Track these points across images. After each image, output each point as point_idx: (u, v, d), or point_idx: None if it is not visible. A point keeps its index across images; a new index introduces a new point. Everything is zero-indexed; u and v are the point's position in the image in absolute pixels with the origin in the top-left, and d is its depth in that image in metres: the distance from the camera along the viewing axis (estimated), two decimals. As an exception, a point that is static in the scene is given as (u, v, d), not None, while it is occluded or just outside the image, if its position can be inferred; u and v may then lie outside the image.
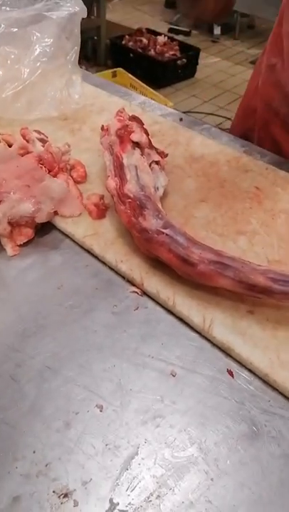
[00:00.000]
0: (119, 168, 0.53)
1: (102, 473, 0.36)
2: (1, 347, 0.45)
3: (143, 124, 0.60)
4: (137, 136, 0.55)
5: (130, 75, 2.71)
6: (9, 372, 0.43)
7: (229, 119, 2.73)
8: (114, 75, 2.78)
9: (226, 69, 3.34)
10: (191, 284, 0.49)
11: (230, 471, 0.37)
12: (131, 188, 0.51)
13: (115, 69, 2.78)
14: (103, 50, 3.12)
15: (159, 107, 0.83)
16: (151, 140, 0.71)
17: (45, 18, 0.77)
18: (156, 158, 0.58)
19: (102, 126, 0.63)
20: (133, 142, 0.55)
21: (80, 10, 0.75)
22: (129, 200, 0.50)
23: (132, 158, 0.54)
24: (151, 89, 2.59)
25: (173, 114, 0.81)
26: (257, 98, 0.82)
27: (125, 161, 0.53)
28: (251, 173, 0.64)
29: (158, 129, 0.74)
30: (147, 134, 0.59)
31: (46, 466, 0.37)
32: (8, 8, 0.76)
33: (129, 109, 0.79)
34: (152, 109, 0.81)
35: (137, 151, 0.55)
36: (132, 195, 0.51)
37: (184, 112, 2.16)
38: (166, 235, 0.46)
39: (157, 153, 0.60)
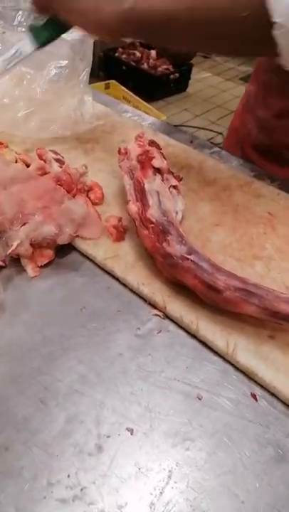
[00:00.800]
0: (141, 193, 0.55)
1: (137, 497, 0.37)
2: (28, 370, 0.45)
3: (161, 149, 0.62)
4: (158, 162, 0.57)
5: (123, 88, 2.75)
6: (38, 395, 0.43)
7: (220, 133, 2.78)
8: (107, 86, 2.81)
9: (216, 84, 3.41)
10: (214, 309, 0.51)
11: (260, 494, 0.38)
12: (153, 213, 0.53)
13: (108, 81, 2.81)
14: (96, 62, 3.15)
15: (169, 128, 0.85)
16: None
17: (60, 39, 0.79)
18: (174, 182, 0.60)
19: (120, 149, 0.64)
20: (154, 168, 0.57)
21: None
22: (152, 225, 0.52)
23: (153, 183, 0.55)
24: (144, 103, 2.63)
25: (183, 135, 0.83)
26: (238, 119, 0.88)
27: (147, 187, 0.55)
28: (263, 198, 0.66)
29: (171, 152, 0.76)
30: (165, 158, 0.61)
31: (81, 490, 0.37)
32: (23, 29, 0.77)
33: (140, 130, 0.81)
34: (163, 130, 0.83)
35: (158, 176, 0.57)
36: (154, 220, 0.52)
37: (176, 126, 2.19)
38: (191, 261, 0.48)
39: (174, 177, 0.61)
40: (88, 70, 0.81)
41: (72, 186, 0.62)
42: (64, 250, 0.58)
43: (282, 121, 0.79)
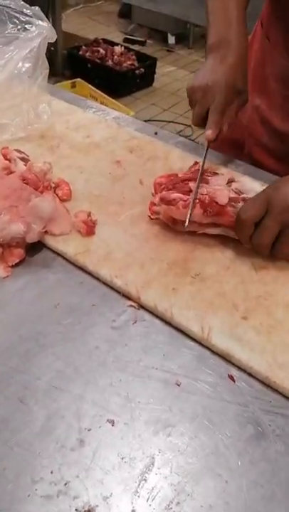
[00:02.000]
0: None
1: (122, 486, 0.37)
2: (6, 369, 0.45)
3: None
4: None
5: (90, 86, 2.72)
6: (17, 394, 0.43)
7: (189, 126, 2.79)
8: (73, 85, 2.78)
9: (182, 77, 3.41)
10: (187, 295, 0.51)
11: (242, 472, 0.39)
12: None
13: (74, 80, 2.79)
14: (60, 60, 3.12)
15: (132, 122, 0.85)
16: (132, 155, 0.73)
17: (15, 41, 0.78)
18: None
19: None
20: None
21: (49, 33, 0.76)
22: None
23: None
24: (112, 99, 2.62)
25: (147, 128, 0.83)
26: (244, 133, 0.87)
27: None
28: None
29: (136, 144, 0.76)
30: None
31: (65, 485, 0.37)
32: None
33: (104, 125, 0.81)
34: (127, 124, 0.83)
35: None
36: None
37: (145, 121, 2.18)
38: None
39: None
40: (46, 72, 0.80)
41: (39, 184, 0.61)
42: (34, 248, 0.57)
43: None
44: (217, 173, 0.62)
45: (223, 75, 0.66)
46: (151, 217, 0.60)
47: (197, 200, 0.56)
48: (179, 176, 0.63)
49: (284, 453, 0.40)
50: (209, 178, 0.60)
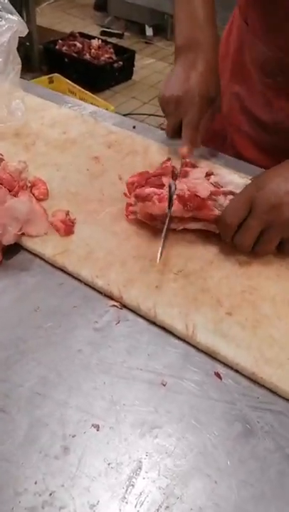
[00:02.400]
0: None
1: (109, 493, 0.36)
2: (-15, 378, 0.43)
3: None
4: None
5: (68, 81, 2.68)
6: (-3, 403, 0.41)
7: (170, 118, 2.78)
8: (50, 81, 2.74)
9: (161, 70, 3.39)
10: (170, 293, 0.50)
11: (232, 471, 0.38)
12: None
13: (51, 75, 2.74)
14: (37, 55, 3.06)
15: (110, 116, 0.83)
16: (110, 150, 0.72)
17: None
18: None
19: None
20: None
21: (20, 28, 0.73)
22: None
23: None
24: (91, 94, 2.58)
25: (126, 122, 0.81)
26: (224, 123, 0.85)
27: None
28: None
29: (114, 139, 0.74)
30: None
31: (50, 495, 0.36)
32: None
33: (81, 120, 0.79)
34: (104, 119, 0.81)
35: None
36: None
37: (125, 115, 2.16)
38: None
39: None
40: (18, 67, 0.77)
41: (14, 184, 0.59)
42: (11, 251, 0.55)
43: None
44: (196, 166, 0.61)
45: (195, 85, 0.64)
46: (129, 217, 0.59)
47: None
48: (151, 172, 0.62)
49: (273, 450, 0.39)
50: (188, 171, 0.58)
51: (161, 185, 0.57)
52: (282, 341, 0.46)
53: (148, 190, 0.57)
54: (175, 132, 0.68)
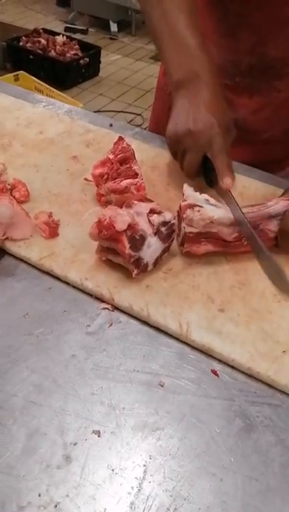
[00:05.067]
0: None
1: (115, 500, 0.36)
2: (-23, 390, 0.42)
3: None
4: None
5: (34, 78, 2.63)
6: (-8, 416, 0.40)
7: (139, 114, 2.77)
8: (16, 78, 2.67)
9: (128, 66, 3.37)
10: (162, 292, 0.50)
11: (236, 468, 0.38)
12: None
13: (17, 72, 2.67)
14: (0, 53, 2.98)
15: (86, 114, 0.82)
16: (88, 149, 0.71)
17: None
18: None
19: None
20: None
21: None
22: None
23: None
24: (58, 92, 2.54)
25: (101, 120, 0.80)
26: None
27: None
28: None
29: (92, 138, 0.73)
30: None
31: (56, 506, 0.35)
32: None
33: (57, 120, 0.77)
34: (80, 117, 0.80)
35: None
36: None
37: (95, 112, 2.13)
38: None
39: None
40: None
41: (-6, 187, 0.57)
42: (-5, 256, 0.54)
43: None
44: (150, 200, 0.56)
45: (210, 115, 0.58)
46: (103, 206, 0.58)
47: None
48: (111, 157, 0.60)
49: (274, 443, 0.40)
50: (134, 203, 0.52)
51: (135, 175, 0.57)
52: (276, 335, 0.47)
53: (124, 182, 0.56)
54: (196, 170, 0.61)
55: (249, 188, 0.67)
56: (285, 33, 0.68)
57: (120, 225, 0.48)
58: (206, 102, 0.59)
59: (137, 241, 0.49)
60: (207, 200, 0.54)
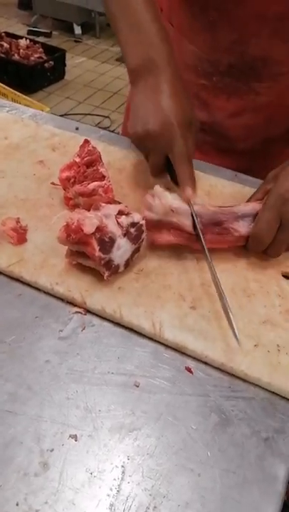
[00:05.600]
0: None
1: (94, 503, 0.36)
2: None
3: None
4: None
5: (-2, 83, 2.59)
6: None
7: (107, 117, 2.76)
8: (-21, 83, 2.63)
9: (93, 68, 3.36)
10: (134, 293, 0.50)
11: (213, 462, 0.39)
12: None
13: (-20, 77, 2.63)
14: None
15: (51, 118, 0.82)
16: (55, 153, 0.70)
17: None
18: None
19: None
20: None
21: None
22: None
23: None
24: (24, 96, 2.51)
25: (67, 124, 0.80)
26: None
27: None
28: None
29: (58, 142, 0.72)
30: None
31: (34, 514, 0.35)
32: None
33: (22, 124, 0.76)
34: (45, 121, 0.79)
35: None
36: None
37: (62, 115, 2.11)
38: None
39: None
40: None
41: None
42: None
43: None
44: (118, 202, 0.54)
45: (169, 113, 0.56)
46: (71, 210, 0.58)
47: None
48: (77, 160, 0.60)
49: (249, 435, 0.41)
50: (102, 205, 0.52)
51: (102, 177, 0.57)
52: (247, 329, 0.48)
53: (92, 185, 0.56)
54: (160, 170, 0.60)
55: (216, 186, 0.68)
56: (268, 31, 0.65)
57: (89, 228, 0.48)
58: (164, 98, 0.57)
59: (107, 243, 0.49)
60: (174, 198, 0.54)
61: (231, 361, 0.44)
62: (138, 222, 0.52)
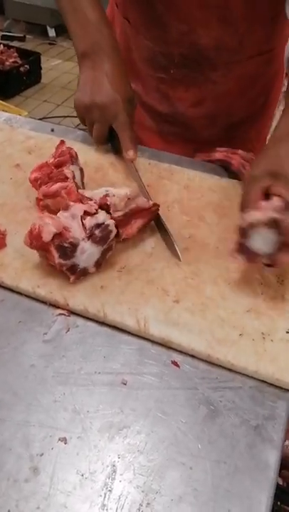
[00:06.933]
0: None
1: (87, 504, 0.35)
2: None
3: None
4: None
5: (-27, 90, 2.56)
6: None
7: (86, 118, 2.75)
8: None
9: (70, 70, 3.34)
10: (117, 291, 0.50)
11: (204, 454, 0.39)
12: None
13: None
14: None
15: (26, 121, 0.81)
16: (31, 156, 0.70)
17: None
18: None
19: None
20: None
21: None
22: None
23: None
24: (1, 101, 2.49)
25: (43, 126, 0.79)
26: None
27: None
28: (139, 171, 0.66)
29: (34, 144, 0.72)
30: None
31: (26, 520, 0.34)
32: None
33: (-5, 129, 0.75)
34: (20, 125, 0.78)
35: None
36: None
37: (40, 119, 2.09)
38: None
39: None
40: None
41: None
42: None
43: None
44: (89, 199, 0.53)
45: (114, 88, 0.64)
46: (42, 212, 0.57)
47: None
48: (49, 162, 0.61)
49: (239, 424, 0.41)
50: (70, 205, 0.51)
51: (65, 178, 0.57)
52: (231, 320, 0.48)
53: (54, 187, 0.56)
54: (105, 138, 0.69)
55: (194, 180, 0.68)
56: (214, 19, 0.67)
57: (46, 235, 0.48)
58: (109, 75, 0.65)
59: (67, 249, 0.49)
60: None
61: (217, 352, 0.44)
62: (103, 223, 0.51)
